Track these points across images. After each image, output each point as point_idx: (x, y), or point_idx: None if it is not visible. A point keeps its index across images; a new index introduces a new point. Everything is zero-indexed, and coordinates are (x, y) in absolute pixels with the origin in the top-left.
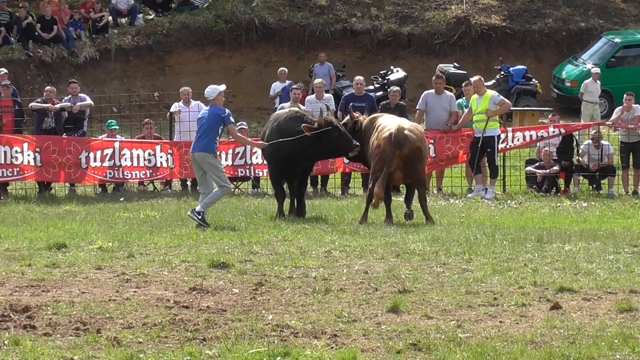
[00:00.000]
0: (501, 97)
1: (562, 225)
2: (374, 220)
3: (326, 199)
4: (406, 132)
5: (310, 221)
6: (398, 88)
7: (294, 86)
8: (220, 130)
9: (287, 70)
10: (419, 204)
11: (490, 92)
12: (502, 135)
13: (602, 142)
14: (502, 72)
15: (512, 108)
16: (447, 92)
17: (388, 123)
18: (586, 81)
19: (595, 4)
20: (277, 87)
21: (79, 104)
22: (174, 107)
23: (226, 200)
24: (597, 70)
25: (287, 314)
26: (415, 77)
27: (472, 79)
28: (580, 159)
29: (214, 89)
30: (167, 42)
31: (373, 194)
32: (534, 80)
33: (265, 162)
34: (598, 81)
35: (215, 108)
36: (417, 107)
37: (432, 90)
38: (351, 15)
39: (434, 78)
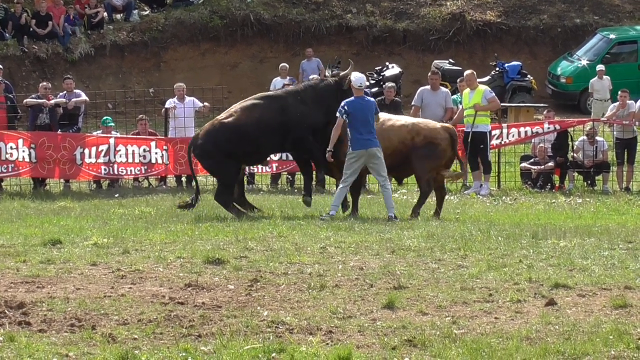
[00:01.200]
0: (493, 94)
1: (557, 222)
2: (369, 217)
3: (321, 195)
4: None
5: (306, 217)
6: (393, 84)
7: (285, 82)
8: None
9: (288, 66)
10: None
11: (483, 87)
12: (497, 132)
13: (597, 138)
14: (497, 69)
15: (507, 104)
16: (443, 88)
17: (401, 120)
18: (592, 80)
19: (590, 0)
20: (277, 82)
21: (74, 100)
22: (169, 103)
23: None
24: (601, 67)
25: (283, 310)
26: (410, 73)
27: (465, 73)
28: (574, 155)
29: (364, 77)
30: (162, 38)
31: (428, 191)
32: (529, 76)
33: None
34: (605, 77)
35: (367, 100)
36: (413, 103)
37: (428, 87)
38: (346, 12)
39: (429, 74)
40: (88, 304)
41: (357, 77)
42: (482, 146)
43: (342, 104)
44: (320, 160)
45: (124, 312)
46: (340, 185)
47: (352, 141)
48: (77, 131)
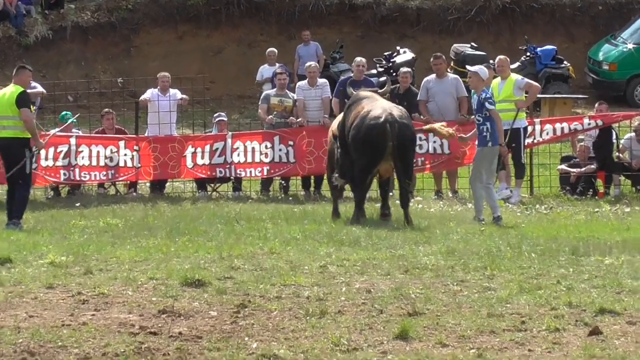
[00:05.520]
0: (526, 79)
1: (601, 235)
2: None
3: (320, 203)
4: None
5: (302, 230)
6: (409, 69)
7: (278, 71)
8: None
9: (276, 51)
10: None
11: (514, 77)
12: (529, 128)
13: None
14: (528, 54)
15: (540, 96)
16: (451, 75)
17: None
18: None
19: None
20: (265, 71)
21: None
22: (151, 95)
23: (202, 206)
24: None
25: (275, 341)
26: (425, 60)
27: (497, 58)
28: (620, 155)
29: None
30: (132, 18)
31: None
32: (565, 62)
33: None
34: None
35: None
36: (418, 99)
37: (433, 75)
38: None
39: (431, 59)
40: (43, 334)
41: (483, 70)
42: (514, 145)
43: (489, 96)
44: None
45: (86, 344)
46: (487, 187)
47: (492, 136)
48: None
